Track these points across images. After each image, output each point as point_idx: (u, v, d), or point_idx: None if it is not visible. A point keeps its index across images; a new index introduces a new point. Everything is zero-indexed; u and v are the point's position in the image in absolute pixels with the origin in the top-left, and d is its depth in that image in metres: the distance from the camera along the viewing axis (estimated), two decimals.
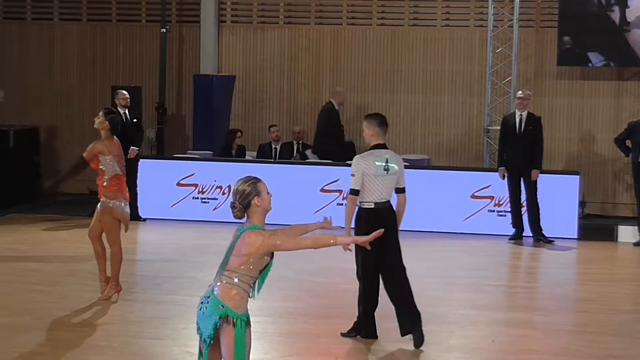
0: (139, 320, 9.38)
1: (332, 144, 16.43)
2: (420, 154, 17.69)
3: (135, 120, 15.66)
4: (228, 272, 5.63)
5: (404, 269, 8.81)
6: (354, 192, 8.52)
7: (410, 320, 8.60)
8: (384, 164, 8.50)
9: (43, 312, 9.42)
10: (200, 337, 5.68)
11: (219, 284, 5.64)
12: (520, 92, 14.67)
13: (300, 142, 17.44)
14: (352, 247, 8.61)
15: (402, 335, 8.60)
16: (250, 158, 16.79)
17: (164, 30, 18.02)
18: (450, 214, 14.79)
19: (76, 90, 19.00)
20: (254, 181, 5.71)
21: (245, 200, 5.66)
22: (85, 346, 8.35)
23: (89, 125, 18.25)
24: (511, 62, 16.86)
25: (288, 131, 17.80)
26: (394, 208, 8.73)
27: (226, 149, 16.85)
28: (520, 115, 14.32)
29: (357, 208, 8.66)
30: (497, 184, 14.52)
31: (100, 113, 10.14)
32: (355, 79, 18.14)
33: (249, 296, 5.69)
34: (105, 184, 9.92)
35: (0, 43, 19.18)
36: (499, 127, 15.29)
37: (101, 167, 9.92)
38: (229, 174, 14.99)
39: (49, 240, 13.74)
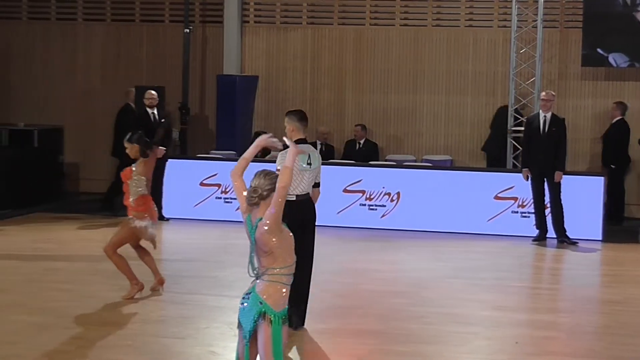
0: (162, 320, 9.40)
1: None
2: (443, 155, 17.66)
3: (163, 120, 15.69)
4: (267, 270, 5.68)
5: (311, 262, 8.98)
6: None
7: (295, 319, 8.78)
8: (306, 158, 8.77)
9: (67, 311, 9.46)
10: (242, 333, 5.74)
11: (259, 282, 5.70)
12: (544, 93, 14.60)
13: (324, 142, 17.44)
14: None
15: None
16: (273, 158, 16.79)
17: (188, 30, 18.06)
18: (473, 215, 14.75)
19: (99, 90, 19.07)
20: (277, 178, 5.76)
21: (266, 192, 5.72)
22: (109, 345, 8.37)
23: (112, 124, 18.39)
24: (535, 63, 16.78)
25: (311, 131, 17.79)
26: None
27: None
28: (545, 116, 14.26)
29: None
30: (520, 185, 14.46)
31: (125, 143, 10.11)
32: (378, 80, 18.12)
33: (289, 288, 5.76)
34: (131, 202, 9.98)
35: (24, 43, 19.28)
36: (522, 128, 15.24)
37: (130, 186, 9.95)
38: (252, 173, 14.96)
39: (73, 239, 13.80)
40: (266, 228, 5.62)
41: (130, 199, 10.00)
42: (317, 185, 9.06)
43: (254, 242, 5.72)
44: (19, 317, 9.21)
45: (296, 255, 8.45)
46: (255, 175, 5.85)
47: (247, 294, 5.78)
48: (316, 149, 16.96)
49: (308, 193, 8.89)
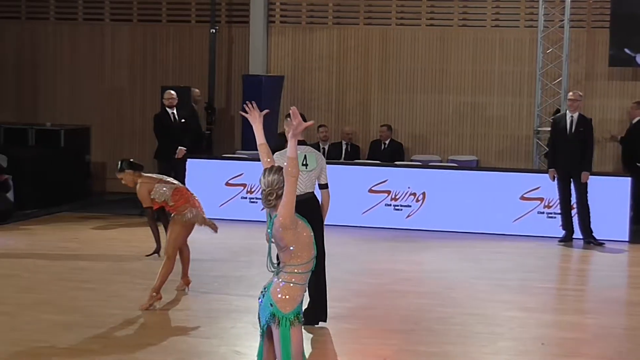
0: (187, 319, 9.42)
1: None
2: (469, 155, 17.61)
3: (183, 120, 15.75)
4: (284, 267, 5.68)
5: (323, 259, 8.99)
6: None
7: (315, 314, 8.96)
8: (302, 159, 8.85)
9: (92, 310, 9.51)
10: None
11: (276, 281, 5.71)
12: (571, 93, 14.52)
13: (350, 142, 17.44)
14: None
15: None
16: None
17: (214, 30, 18.11)
18: (499, 216, 14.69)
19: (126, 90, 19.17)
20: (281, 170, 5.73)
21: (281, 190, 5.68)
22: (134, 344, 8.40)
23: (138, 124, 18.51)
24: (562, 63, 16.71)
25: (336, 131, 17.81)
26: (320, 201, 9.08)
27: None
28: (571, 116, 14.18)
29: None
30: (546, 185, 14.40)
31: (118, 175, 9.99)
32: (403, 80, 18.10)
33: (304, 289, 5.76)
34: (171, 204, 9.88)
35: (52, 43, 19.41)
36: (548, 129, 15.17)
37: (157, 200, 9.86)
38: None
39: (99, 239, 13.86)
40: (279, 223, 5.62)
41: (170, 204, 9.92)
42: (324, 186, 9.08)
43: (272, 237, 5.72)
44: (46, 315, 9.26)
45: None
46: (262, 174, 5.79)
47: (265, 288, 5.78)
48: (342, 149, 17.17)
49: (309, 192, 8.93)
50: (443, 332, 9.03)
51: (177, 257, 10.12)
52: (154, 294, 9.70)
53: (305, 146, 9.09)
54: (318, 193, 9.08)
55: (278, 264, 5.79)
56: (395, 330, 9.09)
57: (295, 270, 5.70)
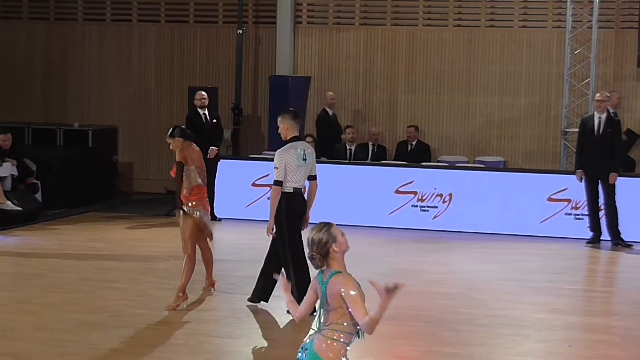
0: (214, 319, 9.45)
1: None
2: (496, 156, 17.55)
3: (215, 120, 15.78)
4: (330, 325, 5.47)
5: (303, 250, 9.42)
6: (279, 184, 9.37)
7: (260, 293, 9.78)
8: (302, 154, 9.36)
9: (119, 310, 9.55)
10: None
11: (319, 337, 5.47)
12: (598, 94, 14.43)
13: (376, 143, 17.42)
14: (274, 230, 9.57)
15: (250, 299, 9.86)
16: (324, 159, 16.80)
17: (241, 31, 18.14)
18: (526, 217, 14.64)
19: (154, 90, 19.24)
20: (327, 227, 5.52)
21: (324, 249, 5.47)
22: (161, 344, 8.43)
23: (166, 125, 18.52)
24: (589, 64, 16.62)
25: (363, 132, 17.80)
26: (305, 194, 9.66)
27: None
28: (599, 117, 14.09)
29: None
30: (574, 186, 14.32)
31: (168, 139, 10.03)
32: (430, 81, 18.06)
33: (348, 347, 5.54)
34: (185, 193, 9.91)
35: (80, 44, 19.51)
36: (576, 129, 15.10)
37: (184, 178, 9.91)
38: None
39: (126, 239, 13.92)
40: (341, 295, 5.45)
41: (185, 190, 9.95)
42: (313, 177, 9.58)
43: (325, 295, 5.49)
44: (73, 315, 9.31)
45: (296, 244, 8.97)
46: (308, 238, 5.54)
47: (303, 347, 5.51)
48: (368, 150, 17.15)
49: (303, 186, 9.49)
50: (469, 333, 9.01)
51: (199, 257, 10.15)
52: (180, 294, 9.73)
53: (301, 141, 9.53)
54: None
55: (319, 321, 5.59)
56: (421, 331, 9.08)
57: (341, 329, 5.49)
